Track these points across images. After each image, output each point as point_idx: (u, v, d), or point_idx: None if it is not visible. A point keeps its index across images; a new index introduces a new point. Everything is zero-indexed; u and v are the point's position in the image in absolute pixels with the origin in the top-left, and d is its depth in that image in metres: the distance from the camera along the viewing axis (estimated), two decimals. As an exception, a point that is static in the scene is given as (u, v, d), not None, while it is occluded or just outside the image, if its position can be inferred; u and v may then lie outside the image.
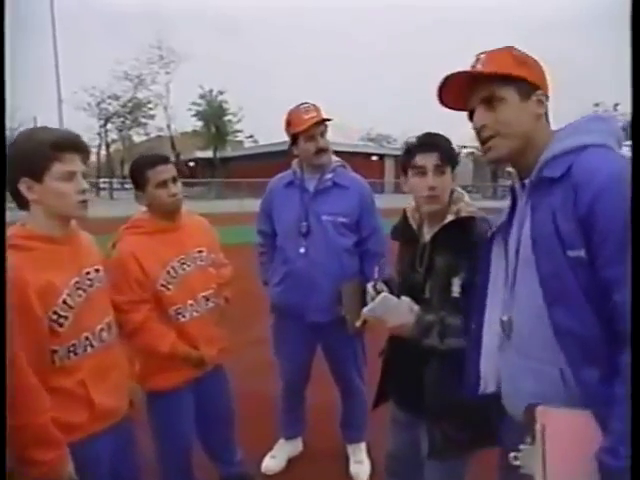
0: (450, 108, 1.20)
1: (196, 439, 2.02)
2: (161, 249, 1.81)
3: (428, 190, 1.47)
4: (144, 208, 1.88)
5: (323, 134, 2.22)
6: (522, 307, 1.11)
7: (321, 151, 2.22)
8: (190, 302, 1.85)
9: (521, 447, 1.03)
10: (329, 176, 2.28)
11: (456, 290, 1.45)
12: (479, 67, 1.11)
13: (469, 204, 1.53)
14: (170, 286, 1.80)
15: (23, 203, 1.35)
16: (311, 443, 2.71)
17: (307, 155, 2.24)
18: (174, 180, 1.81)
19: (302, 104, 2.24)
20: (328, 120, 2.23)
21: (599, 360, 0.96)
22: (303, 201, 2.27)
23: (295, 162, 2.37)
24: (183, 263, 1.85)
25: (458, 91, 1.15)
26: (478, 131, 1.13)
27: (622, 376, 0.90)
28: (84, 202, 1.38)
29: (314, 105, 2.24)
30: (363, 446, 2.57)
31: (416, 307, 1.47)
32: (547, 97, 1.13)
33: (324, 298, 2.21)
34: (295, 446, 2.66)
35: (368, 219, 2.31)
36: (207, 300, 1.91)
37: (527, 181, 1.12)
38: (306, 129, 2.17)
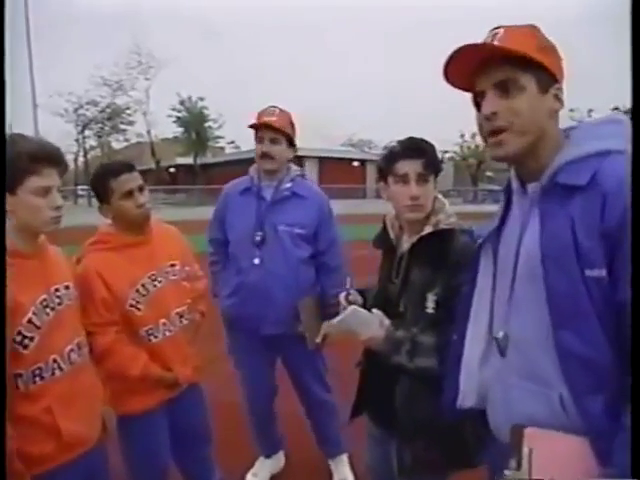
0: (455, 86, 1.05)
1: (172, 460, 1.92)
2: (129, 266, 1.68)
3: (410, 199, 1.40)
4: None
5: (274, 141, 2.13)
6: (523, 324, 1.01)
7: (264, 156, 2.15)
8: (163, 321, 1.74)
9: (506, 472, 0.95)
10: (287, 185, 2.21)
11: (430, 306, 1.38)
12: (497, 44, 0.96)
13: (450, 215, 1.45)
14: (140, 305, 1.68)
15: None
16: (294, 456, 2.62)
17: (256, 157, 2.20)
18: (141, 189, 1.68)
19: (271, 106, 2.19)
20: (271, 128, 2.12)
21: (606, 388, 0.87)
22: (259, 210, 2.20)
23: (252, 168, 2.31)
24: (154, 279, 1.73)
25: (466, 67, 0.99)
26: (487, 118, 0.98)
27: (630, 406, 0.82)
28: (57, 218, 1.32)
29: (281, 110, 2.18)
30: (345, 458, 2.49)
31: (387, 321, 1.41)
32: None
33: (279, 310, 2.15)
34: (277, 462, 2.56)
35: (326, 231, 2.24)
36: (181, 317, 1.81)
37: (532, 185, 1.01)
38: (256, 128, 2.14)
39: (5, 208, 1.22)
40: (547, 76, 0.97)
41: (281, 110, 2.18)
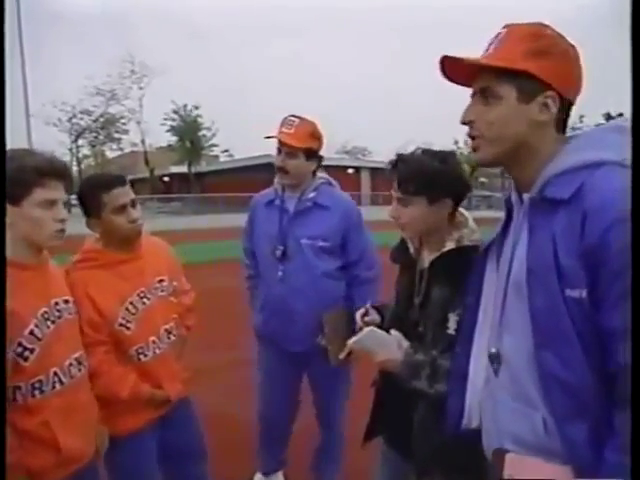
0: (455, 83, 1.01)
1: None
2: (119, 283, 1.62)
3: (392, 218, 1.35)
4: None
5: (290, 155, 2.04)
6: (511, 340, 0.97)
7: (279, 170, 2.10)
8: (152, 339, 1.68)
9: None
10: (310, 195, 2.12)
11: (452, 327, 1.28)
12: (491, 49, 0.93)
13: (474, 230, 1.36)
14: (130, 324, 1.62)
15: None
16: (294, 476, 2.51)
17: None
18: (133, 204, 1.62)
19: (291, 116, 2.09)
20: (276, 139, 2.05)
21: (589, 416, 0.83)
22: (282, 222, 2.13)
23: (277, 180, 2.22)
24: (143, 297, 1.67)
25: (460, 67, 0.97)
26: (464, 124, 0.97)
27: (615, 440, 0.78)
28: (61, 231, 1.31)
29: (302, 121, 2.05)
30: None
31: (406, 343, 1.34)
32: (564, 99, 0.92)
33: (302, 326, 2.08)
34: None
35: (354, 242, 2.12)
36: (169, 333, 1.76)
37: (525, 196, 0.96)
38: (277, 141, 2.07)
39: (5, 209, 1.21)
40: (532, 84, 0.90)
41: (302, 121, 2.06)
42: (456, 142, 37.46)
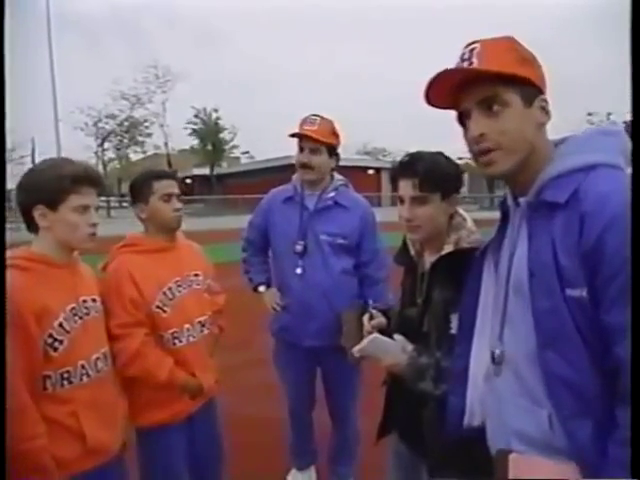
0: (437, 107, 1.02)
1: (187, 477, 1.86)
2: (158, 269, 1.74)
3: (405, 221, 1.36)
4: (141, 227, 1.82)
5: (314, 151, 2.10)
6: (514, 340, 0.98)
7: (303, 166, 2.13)
8: (187, 326, 1.77)
9: None
10: (331, 195, 2.19)
11: (455, 327, 1.29)
12: (475, 62, 0.93)
13: (471, 232, 1.38)
14: (166, 308, 1.72)
15: (33, 227, 1.38)
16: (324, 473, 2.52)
17: (296, 167, 2.17)
18: (178, 197, 1.80)
19: (312, 115, 2.15)
20: (311, 138, 2.09)
21: (593, 415, 0.84)
22: (302, 219, 2.18)
23: (295, 177, 2.28)
24: (179, 285, 1.79)
25: (447, 88, 0.97)
26: (475, 140, 0.95)
27: (617, 436, 0.79)
28: (93, 235, 1.42)
29: (322, 119, 2.13)
30: None
31: (410, 347, 1.37)
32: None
33: (320, 322, 2.12)
34: (308, 477, 2.50)
35: (369, 242, 2.20)
36: (202, 326, 1.84)
37: (523, 200, 0.97)
38: (298, 138, 2.12)
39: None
40: (530, 89, 0.94)
41: (323, 119, 2.15)
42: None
